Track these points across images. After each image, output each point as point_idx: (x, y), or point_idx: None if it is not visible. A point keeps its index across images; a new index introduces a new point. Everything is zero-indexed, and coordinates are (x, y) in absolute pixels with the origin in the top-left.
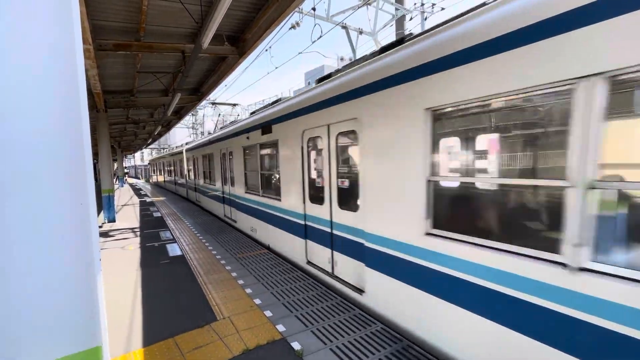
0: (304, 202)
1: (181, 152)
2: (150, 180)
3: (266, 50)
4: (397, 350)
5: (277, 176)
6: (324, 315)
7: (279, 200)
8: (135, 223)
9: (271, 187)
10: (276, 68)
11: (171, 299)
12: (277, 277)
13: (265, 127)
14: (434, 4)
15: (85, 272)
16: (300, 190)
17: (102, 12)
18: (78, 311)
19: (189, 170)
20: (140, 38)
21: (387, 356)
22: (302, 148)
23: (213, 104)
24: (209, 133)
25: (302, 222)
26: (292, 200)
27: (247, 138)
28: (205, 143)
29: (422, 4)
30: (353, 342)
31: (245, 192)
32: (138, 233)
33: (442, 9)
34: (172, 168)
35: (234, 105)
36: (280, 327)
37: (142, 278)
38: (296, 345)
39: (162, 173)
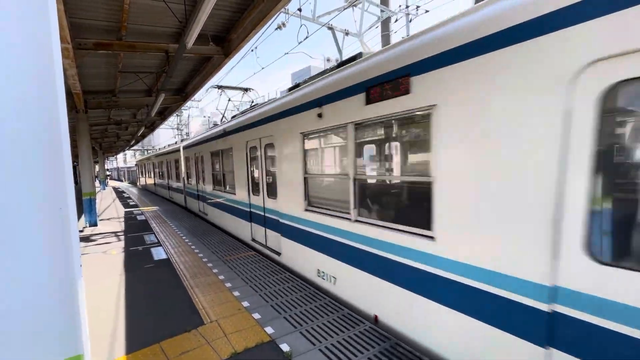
0: (568, 261)
1: (177, 150)
2: (138, 184)
3: (252, 50)
4: (385, 349)
5: (422, 186)
6: (313, 315)
7: (429, 237)
8: (118, 227)
9: (391, 206)
10: (262, 68)
11: (156, 304)
12: (265, 279)
13: (388, 85)
14: (418, 7)
15: (66, 278)
16: (545, 226)
17: (81, 9)
18: (58, 319)
19: (187, 173)
20: (122, 37)
21: (376, 355)
22: (581, 114)
23: (219, 87)
24: (215, 124)
25: (543, 308)
26: (496, 246)
27: (319, 116)
28: (218, 135)
29: (407, 7)
30: (342, 341)
31: (306, 210)
32: (121, 237)
33: (426, 11)
34: (165, 170)
35: (246, 90)
36: (269, 329)
37: (125, 283)
38: (285, 347)
39: (152, 175)
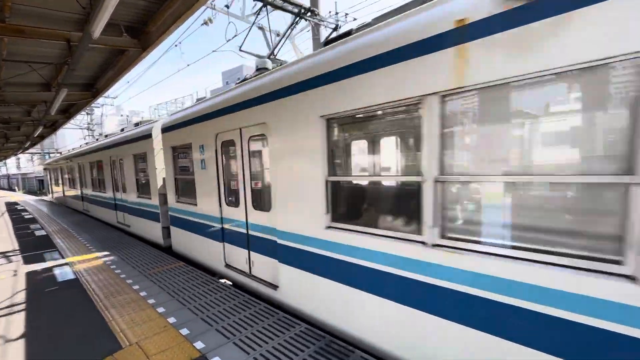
0: None
1: (144, 137)
2: (51, 196)
3: (176, 45)
4: (320, 347)
5: None
6: (247, 324)
7: None
8: (8, 245)
9: None
10: (188, 65)
11: (59, 334)
12: (194, 291)
13: None
14: (347, 14)
15: None
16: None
17: None
18: None
19: (177, 181)
20: (5, 19)
21: (312, 355)
22: None
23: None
24: (257, 70)
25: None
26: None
27: None
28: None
29: (337, 13)
30: (277, 346)
31: None
32: (12, 257)
33: (355, 19)
34: (109, 176)
35: (306, 10)
36: (199, 344)
37: (18, 315)
38: None
39: (79, 185)
